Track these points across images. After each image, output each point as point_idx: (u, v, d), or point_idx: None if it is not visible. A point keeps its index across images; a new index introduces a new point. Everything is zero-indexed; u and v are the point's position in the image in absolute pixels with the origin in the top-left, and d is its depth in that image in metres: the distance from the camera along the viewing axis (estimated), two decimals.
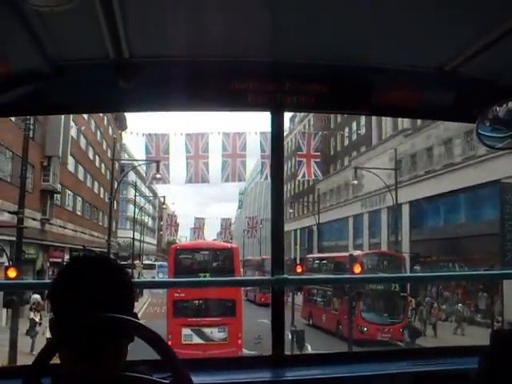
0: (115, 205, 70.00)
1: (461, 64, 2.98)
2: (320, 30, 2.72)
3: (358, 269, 24.53)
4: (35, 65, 2.80)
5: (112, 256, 35.67)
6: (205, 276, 19.66)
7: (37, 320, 23.63)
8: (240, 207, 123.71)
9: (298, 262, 48.65)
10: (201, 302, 22.71)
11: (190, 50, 2.97)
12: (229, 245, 30.24)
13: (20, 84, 2.85)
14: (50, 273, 37.96)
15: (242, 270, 34.94)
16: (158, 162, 27.57)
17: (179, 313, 22.37)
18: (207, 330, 21.90)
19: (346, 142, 60.86)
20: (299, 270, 29.97)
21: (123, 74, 2.93)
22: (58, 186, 39.24)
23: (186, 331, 21.66)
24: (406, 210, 41.19)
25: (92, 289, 1.54)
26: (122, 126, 65.79)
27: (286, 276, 3.19)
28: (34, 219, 34.70)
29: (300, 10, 2.53)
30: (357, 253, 32.65)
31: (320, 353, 3.97)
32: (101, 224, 57.44)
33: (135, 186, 61.02)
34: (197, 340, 21.65)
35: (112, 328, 1.49)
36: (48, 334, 15.86)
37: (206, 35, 2.78)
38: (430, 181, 37.89)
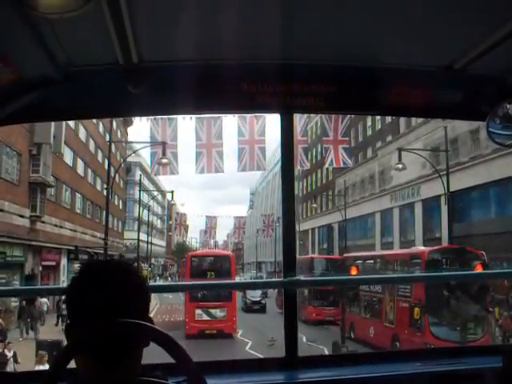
0: (121, 205, 67.78)
1: (470, 62, 3.01)
2: (328, 32, 2.76)
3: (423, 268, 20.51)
4: (45, 71, 2.85)
5: (117, 258, 31.32)
6: (211, 274, 30.01)
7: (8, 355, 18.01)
8: (251, 207, 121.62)
9: None
10: (208, 292, 28.88)
11: (198, 54, 3.01)
12: (228, 252, 44.21)
13: (30, 90, 2.90)
14: (42, 278, 33.46)
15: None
16: (163, 144, 23.41)
17: (193, 299, 30.49)
18: (212, 311, 30.54)
19: (369, 132, 56.17)
20: (354, 272, 25.26)
21: (132, 79, 2.97)
22: (51, 179, 34.56)
23: (198, 311, 30.26)
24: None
25: (105, 294, 1.55)
26: (127, 122, 62.60)
27: (298, 278, 3.21)
28: (21, 216, 30.16)
29: (308, 12, 2.57)
30: (420, 249, 27.19)
31: (334, 354, 5.72)
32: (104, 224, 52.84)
33: (140, 180, 56.97)
34: (205, 317, 30.41)
35: (127, 333, 1.51)
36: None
37: (214, 39, 2.82)
38: (477, 168, 32.91)
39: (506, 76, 3.16)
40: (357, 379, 3.00)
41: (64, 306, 21.00)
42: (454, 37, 2.77)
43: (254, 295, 43.31)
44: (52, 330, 26.97)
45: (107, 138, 50.03)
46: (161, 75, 3.02)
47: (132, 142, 46.97)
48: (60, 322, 29.27)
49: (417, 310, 22.40)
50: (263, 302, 44.35)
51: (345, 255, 35.20)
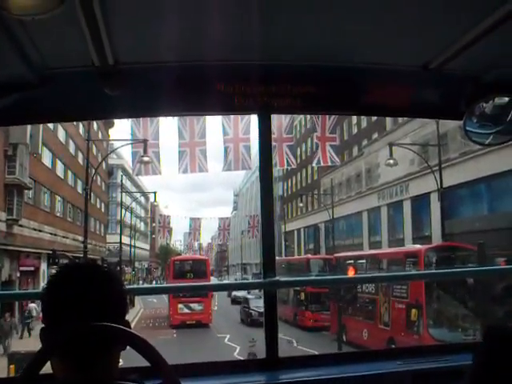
0: (103, 208, 66.67)
1: (446, 62, 3.03)
2: (305, 32, 2.77)
3: (421, 267, 19.74)
4: (19, 74, 2.83)
5: (99, 262, 30.40)
6: (190, 275, 35.68)
7: None
8: (235, 209, 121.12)
9: None
10: None
11: (175, 55, 3.00)
12: (204, 257, 50.39)
13: (4, 93, 2.87)
14: (21, 284, 32.17)
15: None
16: (145, 142, 22.41)
17: (176, 296, 34.67)
18: (192, 305, 35.92)
19: (355, 130, 55.48)
20: (352, 272, 24.28)
21: (109, 81, 2.93)
22: (29, 181, 33.24)
23: (180, 306, 35.76)
24: (435, 199, 35.58)
25: (82, 296, 1.53)
26: (108, 123, 61.37)
27: (278, 278, 3.21)
28: None
29: (284, 13, 2.59)
30: (416, 247, 25.97)
31: (314, 354, 5.02)
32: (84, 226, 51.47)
33: (121, 181, 55.95)
34: (186, 311, 35.87)
35: (103, 336, 1.49)
36: None
37: (191, 40, 2.81)
38: (467, 164, 32.10)
39: (481, 75, 3.18)
40: (337, 379, 3.01)
41: None
42: (429, 37, 2.79)
43: (259, 305, 32.91)
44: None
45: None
46: (137, 77, 3.03)
47: (112, 140, 45.88)
48: None
49: (414, 311, 21.56)
50: None
51: (335, 255, 34.03)
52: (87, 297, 1.54)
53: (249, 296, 39.46)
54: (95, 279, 1.61)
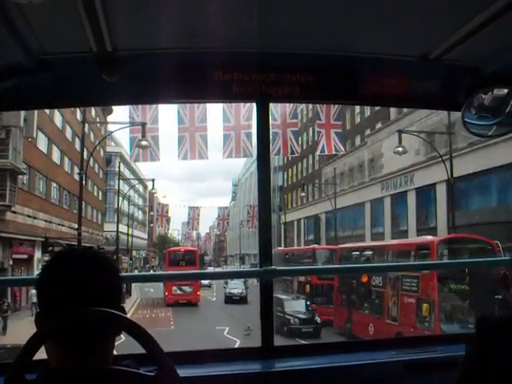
0: (101, 196, 65.84)
1: (445, 52, 3.03)
2: (305, 20, 2.76)
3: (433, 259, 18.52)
4: (17, 59, 2.81)
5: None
6: (182, 263, 42.09)
7: None
8: (233, 199, 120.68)
9: None
10: None
11: (173, 43, 2.99)
12: (194, 249, 57.87)
13: (2, 79, 2.86)
14: (14, 272, 31.20)
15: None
16: (143, 125, 21.52)
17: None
18: (183, 287, 41.10)
19: (358, 120, 54.52)
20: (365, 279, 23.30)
21: (107, 67, 2.92)
22: (23, 166, 32.20)
23: (174, 288, 40.67)
24: (441, 190, 34.72)
25: (78, 282, 1.54)
26: (106, 110, 60.44)
27: (274, 267, 3.22)
28: None
29: (285, 0, 2.61)
30: (428, 238, 24.52)
31: (309, 343, 5.05)
32: (83, 215, 50.50)
33: (119, 168, 55.19)
34: (179, 292, 41.00)
35: (98, 322, 1.50)
36: None
37: (190, 27, 2.81)
38: (476, 153, 31.09)
39: (480, 66, 3.18)
40: (332, 368, 3.04)
41: None
42: (429, 26, 2.79)
43: (299, 309, 29.38)
44: None
45: (86, 127, 47.95)
46: (135, 64, 3.00)
47: (109, 123, 44.85)
48: None
49: (425, 305, 20.55)
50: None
51: (340, 246, 32.82)
52: (82, 282, 1.52)
53: (283, 296, 31.29)
54: (90, 264, 1.60)
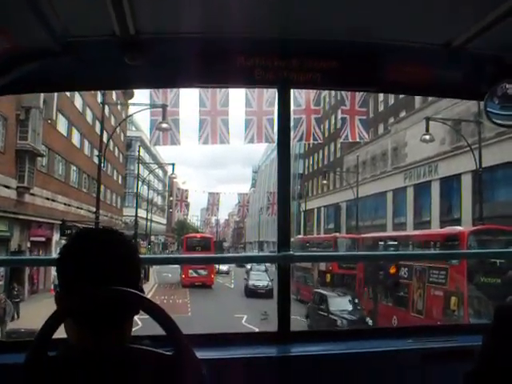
0: (120, 180, 65.82)
1: (468, 40, 2.99)
2: (327, 7, 2.74)
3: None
4: (42, 42, 2.84)
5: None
6: (198, 248, 43.97)
7: None
8: (253, 186, 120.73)
9: None
10: None
11: (196, 27, 3.00)
12: (209, 236, 59.27)
13: (27, 61, 2.90)
14: (31, 255, 30.99)
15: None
16: (164, 107, 20.96)
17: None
18: (199, 271, 43.91)
19: (381, 108, 53.61)
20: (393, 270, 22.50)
21: (129, 50, 2.95)
22: (42, 148, 31.90)
23: (190, 271, 43.82)
24: (467, 180, 33.86)
25: (97, 261, 1.55)
26: (127, 94, 59.81)
27: (291, 252, 3.23)
28: (6, 187, 27.58)
29: None
30: (458, 229, 23.48)
31: (325, 330, 6.04)
32: (102, 199, 50.34)
33: (138, 152, 55.03)
34: (194, 275, 43.95)
35: (117, 301, 1.53)
36: None
37: (213, 12, 2.80)
38: (504, 144, 30.16)
39: (504, 55, 3.13)
40: (348, 354, 3.05)
41: None
42: (453, 14, 2.74)
43: (346, 308, 25.40)
44: None
45: (106, 109, 47.58)
46: (158, 47, 3.03)
47: (129, 105, 44.40)
48: None
49: (454, 299, 19.84)
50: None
51: (363, 236, 32.08)
52: (102, 261, 1.54)
53: (327, 293, 27.50)
54: (110, 244, 1.62)
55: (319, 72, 3.20)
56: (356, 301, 26.46)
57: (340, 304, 25.60)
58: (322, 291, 27.93)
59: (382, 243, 27.61)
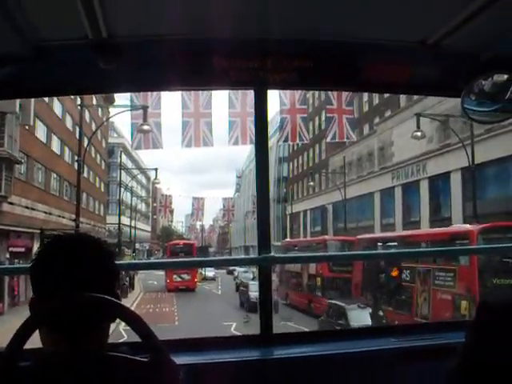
0: (103, 187, 64.83)
1: (444, 37, 3.01)
2: (302, 7, 2.73)
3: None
4: (13, 47, 2.79)
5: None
6: (181, 254, 46.76)
7: None
8: (237, 190, 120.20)
9: None
10: None
11: (170, 29, 2.96)
12: (192, 242, 63.20)
13: None
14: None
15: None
16: (144, 108, 20.43)
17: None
18: (182, 275, 46.14)
19: (366, 108, 53.26)
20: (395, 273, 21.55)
21: (102, 54, 2.89)
22: (20, 155, 30.86)
23: (174, 276, 45.66)
24: (456, 179, 33.42)
25: (71, 267, 1.52)
26: (109, 99, 58.97)
27: (272, 254, 3.23)
28: None
29: None
30: (467, 227, 21.97)
31: (308, 331, 5.02)
32: (85, 207, 49.34)
33: (120, 157, 54.34)
34: (178, 279, 46.00)
35: (91, 307, 1.49)
36: None
37: (187, 14, 2.77)
38: (496, 140, 29.67)
39: (480, 51, 3.14)
40: (331, 355, 3.05)
41: None
42: (428, 11, 2.73)
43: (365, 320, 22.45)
44: None
45: (87, 115, 46.59)
46: (132, 51, 2.97)
47: (107, 106, 43.50)
48: None
49: (464, 303, 18.80)
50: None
51: (359, 237, 31.03)
52: (77, 267, 1.50)
53: (345, 305, 24.02)
54: (85, 249, 1.58)
55: (295, 72, 3.18)
56: (381, 313, 23.50)
57: (361, 318, 22.24)
58: (338, 302, 24.43)
59: (381, 244, 26.63)
